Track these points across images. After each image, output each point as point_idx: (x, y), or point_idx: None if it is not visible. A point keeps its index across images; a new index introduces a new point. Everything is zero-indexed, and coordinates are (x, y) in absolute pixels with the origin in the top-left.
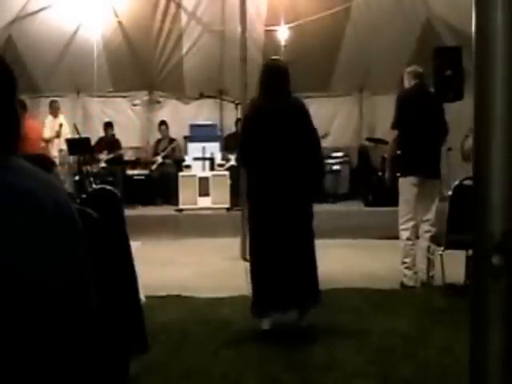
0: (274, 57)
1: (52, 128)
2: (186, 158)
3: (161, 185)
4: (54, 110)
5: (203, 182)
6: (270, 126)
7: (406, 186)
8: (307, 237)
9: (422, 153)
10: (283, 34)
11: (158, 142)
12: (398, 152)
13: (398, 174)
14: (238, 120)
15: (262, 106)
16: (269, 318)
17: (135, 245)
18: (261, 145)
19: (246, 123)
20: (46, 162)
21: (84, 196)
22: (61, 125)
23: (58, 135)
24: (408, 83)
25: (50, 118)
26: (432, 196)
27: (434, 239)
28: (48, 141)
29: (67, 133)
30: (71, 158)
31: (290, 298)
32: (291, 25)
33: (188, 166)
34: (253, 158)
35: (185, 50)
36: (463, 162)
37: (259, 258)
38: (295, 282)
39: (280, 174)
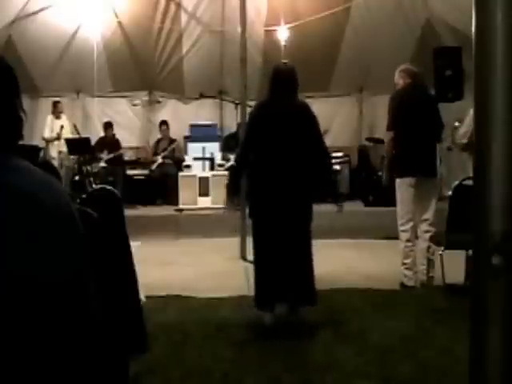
0: (283, 61)
1: (53, 129)
2: (186, 157)
3: (161, 185)
4: (57, 112)
5: (203, 181)
6: (274, 126)
7: (403, 187)
8: (304, 239)
9: (417, 153)
10: (283, 34)
11: (158, 141)
12: (394, 153)
13: (395, 175)
14: (239, 124)
15: (268, 105)
16: (269, 310)
17: (135, 245)
18: (263, 143)
19: (250, 122)
20: (49, 166)
21: (84, 196)
22: (62, 127)
23: (58, 137)
24: (403, 82)
25: (50, 118)
26: (430, 195)
27: (434, 239)
28: (48, 141)
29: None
30: (70, 160)
31: (285, 295)
32: (291, 25)
33: (188, 166)
34: (254, 157)
35: (185, 50)
36: (461, 152)
37: (259, 256)
38: (290, 281)
39: (281, 174)
